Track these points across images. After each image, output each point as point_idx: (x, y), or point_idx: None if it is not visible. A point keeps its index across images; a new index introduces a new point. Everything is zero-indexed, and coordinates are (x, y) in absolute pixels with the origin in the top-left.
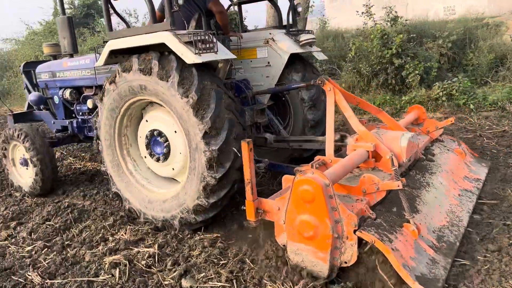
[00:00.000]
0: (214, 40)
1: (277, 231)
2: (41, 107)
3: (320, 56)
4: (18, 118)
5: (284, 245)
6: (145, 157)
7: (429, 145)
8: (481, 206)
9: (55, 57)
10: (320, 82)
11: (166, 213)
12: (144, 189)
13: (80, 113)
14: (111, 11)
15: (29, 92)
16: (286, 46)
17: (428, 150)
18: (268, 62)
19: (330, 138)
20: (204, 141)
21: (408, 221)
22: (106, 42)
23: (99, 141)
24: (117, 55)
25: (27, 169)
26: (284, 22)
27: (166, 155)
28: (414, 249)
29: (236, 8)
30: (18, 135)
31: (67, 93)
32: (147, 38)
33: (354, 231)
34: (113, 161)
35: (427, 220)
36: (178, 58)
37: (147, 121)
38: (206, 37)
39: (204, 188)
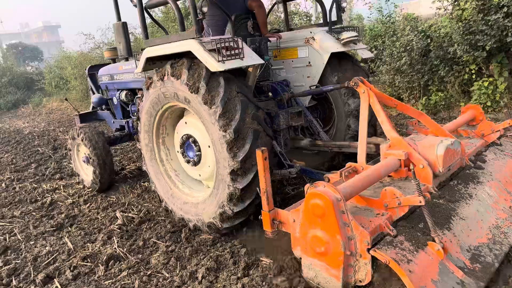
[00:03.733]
0: (241, 45)
1: (293, 243)
2: (103, 107)
3: (365, 54)
4: (84, 117)
5: (300, 258)
6: (178, 152)
7: (483, 149)
8: None
9: (114, 61)
10: (353, 83)
11: (184, 213)
12: (170, 181)
13: (134, 114)
14: (148, 19)
15: (93, 93)
16: (326, 45)
17: (480, 156)
18: (309, 62)
19: (362, 144)
20: (229, 153)
21: (434, 240)
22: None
23: (138, 122)
24: (155, 62)
25: (88, 166)
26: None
27: (196, 162)
28: (438, 271)
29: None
30: (79, 134)
31: (123, 95)
32: (175, 46)
33: (368, 250)
34: (148, 145)
35: (461, 237)
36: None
37: (186, 123)
38: (232, 44)
39: (229, 197)
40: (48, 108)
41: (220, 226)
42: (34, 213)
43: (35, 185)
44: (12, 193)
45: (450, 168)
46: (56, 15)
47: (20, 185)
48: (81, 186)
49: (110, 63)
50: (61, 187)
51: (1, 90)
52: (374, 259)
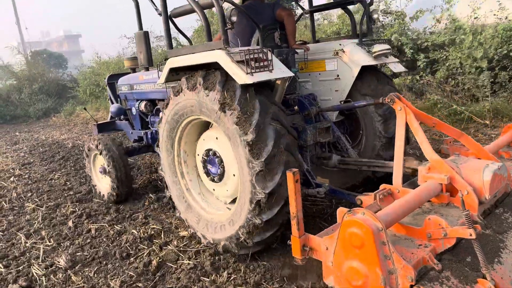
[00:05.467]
0: (270, 57)
1: (325, 273)
2: (122, 117)
3: (398, 68)
4: (102, 127)
5: None
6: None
7: None
8: None
9: (134, 70)
10: (389, 100)
11: (200, 228)
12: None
13: (154, 125)
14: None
15: (112, 103)
16: (357, 58)
17: None
18: (337, 75)
19: (398, 165)
20: (256, 183)
21: (484, 276)
22: (167, 59)
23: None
24: (178, 73)
25: (105, 177)
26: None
27: (219, 179)
28: None
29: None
30: (96, 145)
31: (142, 105)
32: (201, 56)
33: (411, 286)
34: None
35: None
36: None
37: (204, 140)
38: (261, 55)
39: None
40: (83, 118)
41: (236, 250)
42: (139, 285)
43: (117, 227)
44: (88, 241)
45: (496, 195)
46: (77, 24)
47: (95, 226)
48: (189, 235)
49: (130, 73)
50: (157, 232)
51: (32, 97)
52: None
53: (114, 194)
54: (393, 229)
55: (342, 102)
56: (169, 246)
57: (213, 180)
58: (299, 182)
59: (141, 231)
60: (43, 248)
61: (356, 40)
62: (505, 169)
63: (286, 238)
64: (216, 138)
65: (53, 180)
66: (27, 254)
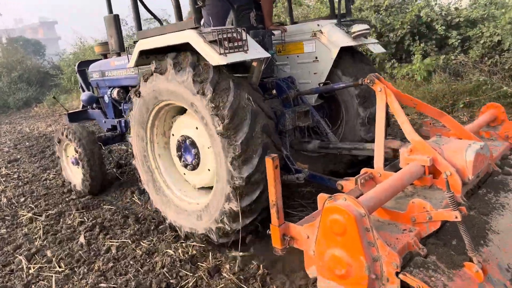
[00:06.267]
0: (245, 37)
1: (307, 262)
2: (94, 106)
3: (377, 48)
4: (74, 117)
5: (315, 278)
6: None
7: (508, 153)
8: None
9: (105, 56)
10: (369, 81)
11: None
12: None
13: (127, 113)
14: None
15: (83, 91)
16: (335, 39)
17: (506, 160)
18: (316, 57)
19: (379, 147)
20: (233, 168)
21: (471, 260)
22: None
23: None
24: (149, 56)
25: (78, 168)
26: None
27: (194, 167)
28: None
29: None
30: (67, 134)
31: (114, 93)
32: (172, 37)
33: (397, 273)
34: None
35: (498, 255)
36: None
37: (178, 125)
38: (235, 35)
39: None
40: (69, 107)
41: (215, 239)
42: None
43: (144, 244)
44: (111, 264)
45: (479, 175)
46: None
47: (115, 243)
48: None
49: (101, 59)
50: (200, 251)
51: (11, 86)
52: (402, 284)
53: (88, 185)
54: (376, 214)
55: (321, 85)
56: (223, 273)
57: (188, 168)
58: (278, 168)
59: (179, 250)
60: (54, 276)
61: (335, 21)
62: (487, 148)
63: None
64: (191, 123)
65: (48, 181)
66: (33, 287)
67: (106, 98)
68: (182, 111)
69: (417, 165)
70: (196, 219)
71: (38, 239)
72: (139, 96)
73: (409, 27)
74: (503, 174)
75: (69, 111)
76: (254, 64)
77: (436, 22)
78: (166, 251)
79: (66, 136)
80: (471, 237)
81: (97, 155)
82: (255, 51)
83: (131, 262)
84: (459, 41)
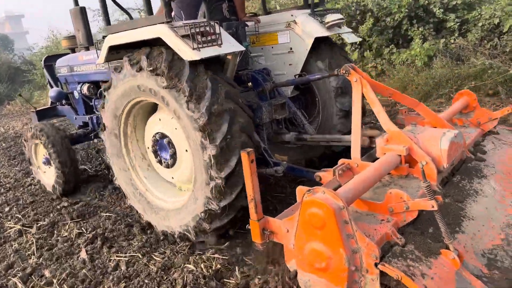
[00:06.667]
0: (218, 30)
1: (287, 256)
2: (64, 102)
3: (351, 38)
4: (42, 114)
5: (295, 272)
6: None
7: (480, 139)
8: None
9: (73, 50)
10: (344, 71)
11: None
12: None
13: (98, 108)
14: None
15: (51, 87)
16: (310, 29)
17: (479, 146)
18: (291, 48)
19: (356, 138)
20: (214, 171)
21: (447, 247)
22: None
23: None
24: (119, 51)
25: (50, 168)
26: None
27: (173, 162)
28: (455, 284)
29: None
30: (37, 133)
31: (85, 88)
32: (142, 32)
33: (376, 264)
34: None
35: (474, 241)
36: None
37: (160, 119)
38: (208, 28)
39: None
40: (43, 105)
41: (193, 238)
42: None
43: (157, 257)
44: (123, 285)
45: (453, 163)
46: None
47: (123, 257)
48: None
49: (69, 53)
50: (224, 265)
51: None
52: (382, 274)
53: (61, 185)
54: (354, 205)
55: (297, 76)
56: None
57: (164, 165)
58: (254, 163)
59: (200, 264)
60: None
61: (308, 11)
62: (461, 136)
63: None
64: (166, 121)
65: (33, 186)
66: None
67: (76, 94)
68: (157, 107)
69: (393, 154)
70: (173, 217)
71: (32, 256)
72: (110, 93)
73: (406, 10)
74: (476, 160)
75: (37, 109)
76: (229, 57)
77: (433, 5)
78: (185, 266)
79: (35, 135)
80: (447, 224)
81: (69, 154)
82: (229, 45)
83: (146, 281)
84: (458, 24)
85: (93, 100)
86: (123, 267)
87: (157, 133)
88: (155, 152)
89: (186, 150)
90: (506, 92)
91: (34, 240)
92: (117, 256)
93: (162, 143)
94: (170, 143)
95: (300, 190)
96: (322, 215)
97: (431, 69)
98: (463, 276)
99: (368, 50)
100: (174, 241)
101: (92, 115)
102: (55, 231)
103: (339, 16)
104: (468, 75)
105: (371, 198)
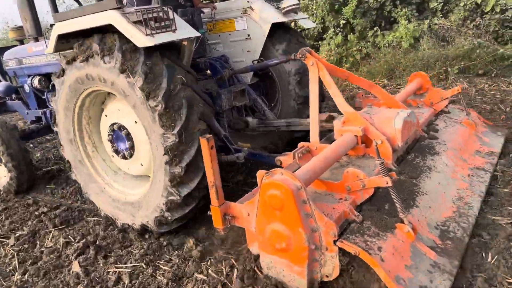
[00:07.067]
0: (172, 16)
1: (249, 239)
2: (13, 97)
3: (307, 23)
4: None
5: (258, 255)
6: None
7: (433, 119)
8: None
9: (22, 42)
10: (301, 55)
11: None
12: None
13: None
14: None
15: None
16: (266, 15)
17: (432, 125)
18: (248, 35)
19: (314, 121)
20: (170, 166)
21: (402, 221)
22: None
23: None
24: (69, 40)
25: (0, 167)
26: None
27: (131, 152)
28: (410, 255)
29: None
30: None
31: (36, 81)
32: (93, 19)
33: (334, 242)
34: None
35: (427, 214)
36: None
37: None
38: (161, 14)
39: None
40: None
41: (155, 229)
42: None
43: (165, 266)
44: None
45: (407, 141)
46: None
47: (124, 268)
48: None
49: (17, 45)
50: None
51: None
52: (341, 251)
53: (14, 184)
54: (313, 186)
55: (255, 62)
56: None
57: (121, 156)
58: (214, 149)
59: (211, 271)
60: None
61: None
62: (414, 115)
63: None
64: (122, 110)
65: (2, 191)
66: None
67: (27, 88)
68: (112, 97)
69: (350, 135)
70: (133, 209)
71: (15, 272)
72: (62, 85)
73: None
74: (429, 138)
75: None
76: (184, 43)
77: None
78: (197, 276)
79: None
80: (402, 200)
81: (20, 150)
82: (184, 31)
83: None
84: (441, 3)
85: (45, 93)
86: (126, 280)
87: (114, 123)
88: (112, 143)
89: (144, 139)
90: (496, 71)
91: (14, 253)
92: (116, 267)
93: (119, 134)
94: (127, 133)
95: (260, 173)
96: (280, 196)
97: (418, 50)
98: (418, 248)
99: (351, 33)
100: (179, 245)
101: (45, 109)
102: (38, 241)
103: (295, 1)
104: (456, 55)
105: (330, 179)
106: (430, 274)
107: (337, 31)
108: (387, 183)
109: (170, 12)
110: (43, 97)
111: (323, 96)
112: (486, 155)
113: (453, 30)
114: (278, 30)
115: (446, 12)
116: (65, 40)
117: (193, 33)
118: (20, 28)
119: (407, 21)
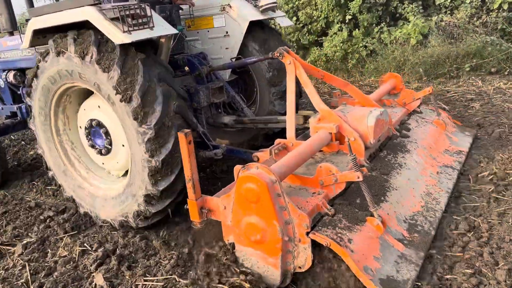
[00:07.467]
0: (149, 13)
1: (225, 232)
2: None
3: (285, 22)
4: None
5: (233, 248)
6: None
7: (406, 118)
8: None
9: None
10: (278, 54)
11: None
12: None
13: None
14: None
15: None
16: (244, 13)
17: (404, 124)
18: (226, 32)
19: (291, 118)
20: (149, 157)
21: (372, 215)
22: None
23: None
24: (45, 35)
25: None
26: None
27: (108, 149)
28: (379, 247)
29: None
30: None
31: (11, 76)
32: (69, 15)
33: (307, 233)
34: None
35: (397, 209)
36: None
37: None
38: (139, 11)
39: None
40: None
41: (134, 224)
42: None
43: (203, 277)
44: None
45: (380, 139)
46: None
47: (156, 282)
48: None
49: None
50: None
51: None
52: (313, 243)
53: None
54: (288, 181)
55: (233, 60)
56: None
57: (100, 153)
58: (192, 144)
59: None
60: None
61: None
62: (387, 114)
63: None
64: (99, 106)
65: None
66: None
67: (1, 82)
68: (89, 93)
69: (324, 132)
70: (112, 205)
71: (28, 286)
72: (37, 80)
73: None
74: (401, 137)
75: None
76: (162, 41)
77: None
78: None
79: None
80: (373, 195)
81: None
82: (161, 28)
83: None
84: (449, 0)
85: (20, 89)
86: None
87: (92, 119)
88: (89, 138)
89: (121, 135)
90: (509, 70)
91: (24, 264)
92: (145, 281)
93: (96, 129)
94: (105, 128)
95: (237, 168)
96: (256, 189)
97: (427, 47)
98: (386, 240)
99: (357, 29)
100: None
101: (20, 104)
102: (48, 250)
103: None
104: (467, 53)
105: (304, 174)
106: (397, 264)
107: (342, 27)
108: (358, 177)
109: (148, 9)
110: (18, 92)
111: (301, 92)
112: (455, 154)
113: (460, 27)
114: (256, 28)
115: (452, 9)
116: (41, 35)
117: (171, 30)
118: None
119: (414, 17)
